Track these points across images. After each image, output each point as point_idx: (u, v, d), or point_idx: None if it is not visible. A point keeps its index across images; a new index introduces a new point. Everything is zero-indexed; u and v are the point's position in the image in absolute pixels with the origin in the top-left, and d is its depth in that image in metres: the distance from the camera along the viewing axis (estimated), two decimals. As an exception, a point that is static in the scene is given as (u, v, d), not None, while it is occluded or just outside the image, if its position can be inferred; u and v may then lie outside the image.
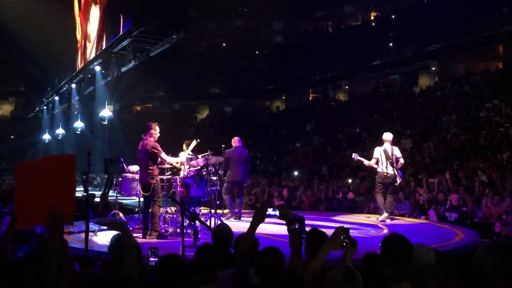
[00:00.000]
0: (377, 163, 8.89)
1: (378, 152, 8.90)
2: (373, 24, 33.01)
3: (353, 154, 9.54)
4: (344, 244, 2.81)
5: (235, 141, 9.17)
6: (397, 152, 8.93)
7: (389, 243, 2.96)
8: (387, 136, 9.06)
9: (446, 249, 6.05)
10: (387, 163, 8.74)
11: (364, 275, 3.04)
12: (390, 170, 8.71)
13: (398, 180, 8.91)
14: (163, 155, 7.22)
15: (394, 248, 2.89)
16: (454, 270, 3.20)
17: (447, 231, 7.81)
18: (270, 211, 3.75)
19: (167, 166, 7.80)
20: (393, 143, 9.36)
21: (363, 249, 3.40)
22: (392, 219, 9.00)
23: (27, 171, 4.05)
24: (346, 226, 2.95)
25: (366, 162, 9.20)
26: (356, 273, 2.57)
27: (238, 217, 8.85)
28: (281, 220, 3.33)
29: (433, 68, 27.73)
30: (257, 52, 38.30)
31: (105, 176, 7.31)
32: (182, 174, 7.84)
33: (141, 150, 7.20)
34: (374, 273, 3.00)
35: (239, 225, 7.83)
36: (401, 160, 8.96)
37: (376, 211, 9.57)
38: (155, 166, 7.21)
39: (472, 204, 9.35)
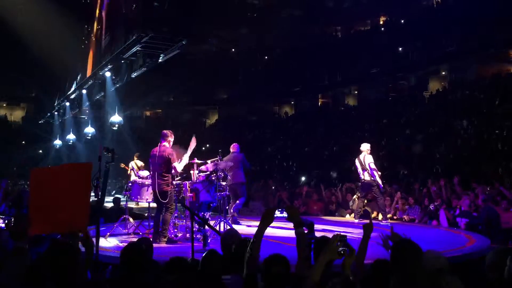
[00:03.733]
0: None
1: (357, 161, 10.22)
2: (383, 28, 32.86)
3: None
4: (342, 252, 2.73)
5: (232, 147, 9.72)
6: (368, 159, 9.96)
7: (399, 250, 2.90)
8: (364, 146, 10.28)
9: (457, 254, 5.99)
10: (362, 169, 10.00)
11: (374, 282, 3.02)
12: (367, 176, 9.95)
13: (381, 184, 9.99)
14: (176, 164, 7.20)
15: (405, 255, 2.83)
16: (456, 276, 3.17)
17: (458, 237, 7.74)
18: (277, 213, 3.70)
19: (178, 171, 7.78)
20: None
21: (373, 254, 3.37)
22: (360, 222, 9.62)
23: (43, 177, 4.05)
24: (342, 233, 2.88)
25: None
26: (355, 285, 2.51)
27: (233, 221, 9.02)
28: (289, 224, 3.27)
29: (443, 73, 27.51)
30: (266, 57, 38.28)
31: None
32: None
33: (158, 156, 7.18)
34: (383, 279, 2.97)
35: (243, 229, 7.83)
36: (372, 166, 9.93)
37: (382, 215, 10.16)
38: (170, 173, 7.21)
39: (482, 209, 9.25)
